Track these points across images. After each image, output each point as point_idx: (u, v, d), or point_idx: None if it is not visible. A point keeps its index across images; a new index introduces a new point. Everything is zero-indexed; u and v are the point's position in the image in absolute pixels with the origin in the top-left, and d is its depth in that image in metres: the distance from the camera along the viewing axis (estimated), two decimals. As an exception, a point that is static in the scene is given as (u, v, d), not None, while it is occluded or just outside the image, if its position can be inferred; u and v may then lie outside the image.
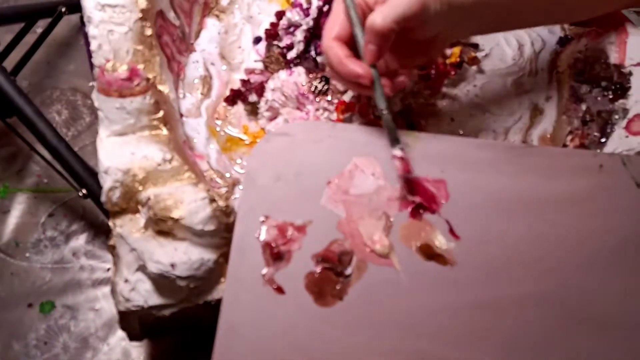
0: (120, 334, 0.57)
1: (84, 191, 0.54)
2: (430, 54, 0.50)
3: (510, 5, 0.49)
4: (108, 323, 0.57)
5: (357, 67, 0.45)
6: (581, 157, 0.49)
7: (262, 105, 0.58)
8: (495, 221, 0.45)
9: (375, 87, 0.45)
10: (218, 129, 0.59)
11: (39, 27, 0.73)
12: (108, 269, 0.60)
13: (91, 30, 0.50)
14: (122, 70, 0.47)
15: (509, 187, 0.47)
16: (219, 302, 0.44)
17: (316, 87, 0.57)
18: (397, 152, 0.46)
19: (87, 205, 0.63)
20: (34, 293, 0.58)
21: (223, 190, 0.54)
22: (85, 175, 0.53)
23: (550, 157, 0.49)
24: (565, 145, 0.57)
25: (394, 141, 0.47)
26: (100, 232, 0.62)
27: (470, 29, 0.51)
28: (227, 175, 0.56)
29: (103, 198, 0.44)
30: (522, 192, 0.47)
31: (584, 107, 0.57)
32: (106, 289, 0.58)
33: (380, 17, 0.43)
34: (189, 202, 0.43)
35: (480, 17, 0.48)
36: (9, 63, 0.61)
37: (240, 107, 0.60)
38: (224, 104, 0.61)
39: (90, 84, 0.74)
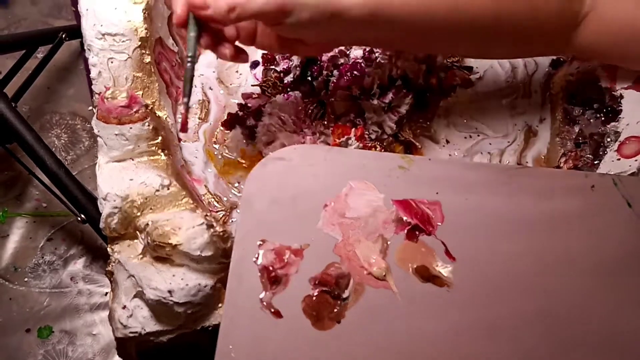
0: (117, 359, 0.57)
1: (83, 216, 0.54)
2: (313, 52, 0.50)
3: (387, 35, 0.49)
4: (106, 348, 0.57)
5: (178, 5, 0.43)
6: (573, 178, 0.50)
7: (260, 129, 0.59)
8: (490, 242, 0.45)
9: (188, 31, 0.44)
10: (216, 152, 0.60)
11: (40, 52, 0.74)
12: (106, 294, 0.60)
13: (91, 58, 0.51)
14: (122, 98, 0.48)
15: (503, 208, 0.47)
16: (216, 327, 0.45)
17: (313, 111, 0.58)
18: (182, 106, 0.44)
19: (85, 229, 0.63)
20: (32, 318, 0.58)
21: (220, 214, 0.55)
22: (84, 200, 0.54)
23: (543, 178, 0.49)
24: (558, 167, 0.57)
25: (185, 94, 0.44)
26: (98, 256, 0.62)
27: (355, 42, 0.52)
28: (225, 199, 0.56)
29: (102, 224, 0.45)
30: (516, 213, 0.47)
31: (577, 129, 0.58)
32: (104, 314, 0.59)
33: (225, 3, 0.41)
34: (186, 228, 0.43)
35: (363, 33, 0.49)
36: (10, 89, 0.62)
37: (237, 131, 0.61)
38: (222, 128, 0.61)
39: (90, 108, 0.75)
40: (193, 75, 0.44)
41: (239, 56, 0.48)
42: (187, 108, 0.44)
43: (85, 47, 0.53)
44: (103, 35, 0.51)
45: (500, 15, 0.49)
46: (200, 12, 0.42)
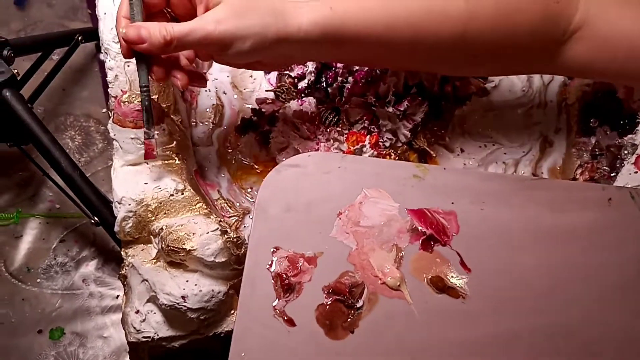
0: (128, 362, 0.57)
1: (96, 219, 0.54)
2: (269, 69, 0.51)
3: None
4: (116, 351, 0.57)
5: (120, 41, 0.43)
6: (590, 191, 0.49)
7: (273, 135, 0.59)
8: (505, 253, 0.45)
9: (136, 62, 0.44)
10: (229, 157, 0.60)
11: (55, 54, 0.75)
12: (117, 296, 0.60)
13: (108, 61, 0.52)
14: (138, 102, 0.48)
15: (520, 219, 0.47)
16: (228, 334, 0.45)
17: (327, 117, 0.58)
18: (148, 137, 0.45)
19: (97, 231, 0.64)
20: (44, 319, 0.58)
21: (233, 219, 0.54)
22: (98, 203, 0.54)
23: (559, 190, 0.49)
24: (575, 179, 0.57)
25: (145, 123, 0.45)
26: (110, 259, 0.62)
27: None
28: (237, 204, 0.56)
29: (116, 228, 0.45)
30: (532, 225, 0.47)
31: (593, 140, 0.58)
32: (115, 317, 0.59)
33: (165, 32, 0.41)
34: (200, 234, 0.43)
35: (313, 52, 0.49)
36: (27, 90, 0.62)
37: (251, 137, 0.61)
38: (235, 133, 0.61)
39: (104, 110, 0.75)
40: (150, 105, 0.45)
41: (196, 82, 0.49)
42: (151, 137, 0.45)
43: (102, 51, 0.53)
44: (120, 39, 0.51)
45: (468, 34, 0.47)
46: (137, 47, 0.43)
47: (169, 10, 0.46)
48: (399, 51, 0.49)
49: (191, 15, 0.45)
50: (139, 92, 0.45)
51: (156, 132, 0.46)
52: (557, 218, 0.47)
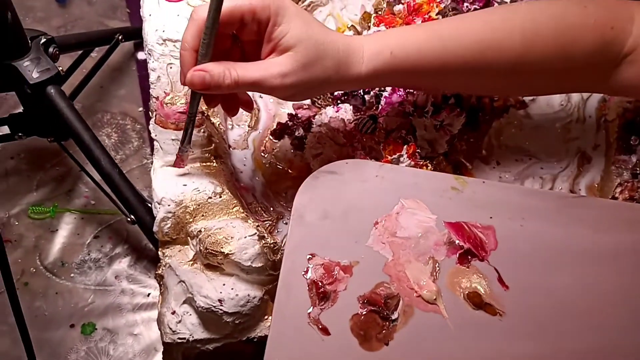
0: (157, 361, 0.57)
1: (132, 217, 0.55)
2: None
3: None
4: (146, 349, 0.57)
5: (188, 64, 0.42)
6: (631, 211, 0.48)
7: (309, 141, 0.59)
8: (544, 272, 0.44)
9: (192, 92, 0.45)
10: (264, 161, 0.60)
11: (94, 52, 0.76)
12: (148, 295, 0.61)
13: (151, 63, 0.52)
14: (180, 104, 0.49)
15: (559, 238, 0.46)
16: (261, 339, 0.45)
17: (364, 125, 0.58)
18: (182, 152, 0.47)
19: (130, 229, 0.64)
20: (77, 314, 0.59)
21: (267, 224, 0.55)
22: (134, 201, 0.54)
23: (600, 209, 0.48)
24: (614, 197, 0.56)
25: (184, 142, 0.46)
26: (142, 257, 0.63)
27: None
28: (271, 208, 0.56)
29: (155, 228, 0.45)
30: (572, 244, 0.46)
31: (634, 159, 0.57)
32: (145, 315, 0.59)
33: (230, 79, 0.42)
34: (238, 238, 0.43)
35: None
36: (67, 87, 0.64)
37: (286, 141, 0.61)
38: (271, 137, 0.62)
39: (140, 109, 0.76)
40: (192, 129, 0.46)
41: (245, 107, 0.50)
42: (184, 152, 0.47)
43: (145, 51, 0.54)
44: (164, 40, 0.52)
45: (524, 66, 0.47)
46: (198, 91, 0.43)
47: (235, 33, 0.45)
48: (453, 84, 0.51)
49: (257, 42, 0.44)
50: (181, 95, 0.46)
51: (190, 150, 0.47)
52: (598, 238, 0.46)
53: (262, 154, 0.61)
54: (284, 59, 0.43)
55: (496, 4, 0.62)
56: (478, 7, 0.61)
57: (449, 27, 0.48)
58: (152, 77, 0.52)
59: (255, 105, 0.64)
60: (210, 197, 0.47)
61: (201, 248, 0.43)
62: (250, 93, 0.51)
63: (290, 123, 0.61)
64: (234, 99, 0.48)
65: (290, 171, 0.60)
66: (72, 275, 0.61)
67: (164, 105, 0.49)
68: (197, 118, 0.50)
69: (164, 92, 0.51)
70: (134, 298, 0.60)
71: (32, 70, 0.54)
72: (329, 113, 0.59)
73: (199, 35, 0.42)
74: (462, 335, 0.41)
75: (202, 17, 0.41)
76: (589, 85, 0.52)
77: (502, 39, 0.47)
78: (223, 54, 0.44)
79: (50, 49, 0.57)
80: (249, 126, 0.62)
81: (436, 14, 0.59)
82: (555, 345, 0.41)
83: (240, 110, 0.62)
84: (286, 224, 0.56)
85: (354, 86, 0.48)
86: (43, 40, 0.56)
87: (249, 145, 0.61)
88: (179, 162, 0.47)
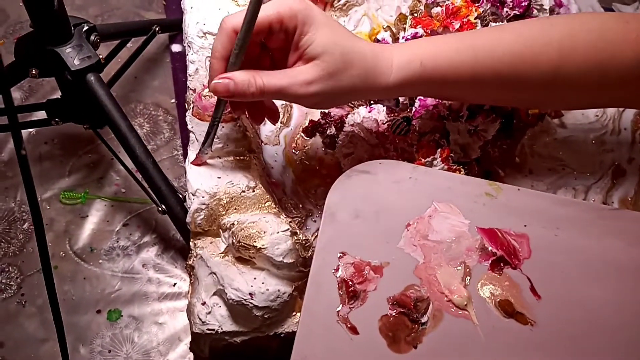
0: (180, 351, 0.58)
1: (163, 207, 0.55)
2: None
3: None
4: (170, 339, 0.58)
5: (217, 72, 0.43)
6: (670, 226, 0.47)
7: (341, 140, 0.59)
8: (578, 283, 0.44)
9: (217, 99, 0.45)
10: (295, 158, 0.60)
11: (130, 43, 0.77)
12: (174, 284, 0.61)
13: (190, 55, 0.52)
14: (218, 97, 0.49)
15: (594, 249, 0.45)
16: (288, 335, 0.45)
17: (398, 126, 0.57)
18: (202, 153, 0.48)
19: (159, 218, 0.65)
20: (103, 300, 0.59)
21: (296, 220, 0.55)
22: (167, 192, 0.55)
23: (635, 223, 0.47)
24: (650, 211, 0.55)
25: (205, 144, 0.47)
26: (170, 247, 0.63)
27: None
28: (301, 205, 0.57)
29: (188, 219, 0.46)
30: (606, 256, 0.45)
31: (672, 173, 0.56)
32: (171, 304, 0.60)
33: (254, 87, 0.42)
34: (271, 233, 0.43)
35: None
36: (104, 77, 0.64)
37: (318, 139, 0.61)
38: (302, 134, 0.62)
39: (172, 101, 0.77)
40: (215, 133, 0.47)
41: (270, 117, 0.50)
42: (204, 153, 0.48)
43: (184, 43, 0.54)
44: (204, 33, 0.52)
45: (561, 70, 0.46)
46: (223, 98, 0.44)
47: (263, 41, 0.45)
48: (483, 96, 0.50)
49: (285, 50, 0.44)
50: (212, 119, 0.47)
51: (210, 151, 0.48)
52: (632, 252, 0.45)
53: (293, 151, 0.61)
54: (309, 68, 0.43)
55: (535, 11, 0.62)
56: (518, 13, 0.60)
57: (482, 38, 0.47)
58: (191, 69, 0.52)
59: (288, 102, 0.64)
60: (243, 191, 0.47)
61: (234, 241, 0.43)
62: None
63: (322, 121, 0.61)
64: (260, 107, 0.49)
65: (320, 169, 0.60)
66: (100, 261, 0.62)
67: (202, 97, 0.49)
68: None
69: (202, 84, 0.51)
70: (160, 287, 0.60)
71: (73, 57, 0.55)
72: (362, 113, 0.59)
73: (229, 44, 0.42)
74: (492, 343, 0.41)
75: (231, 27, 0.42)
76: (624, 100, 0.51)
77: (538, 53, 0.46)
78: (253, 62, 0.45)
79: (92, 37, 0.57)
80: (281, 122, 0.62)
81: (475, 18, 0.59)
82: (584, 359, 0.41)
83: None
84: (315, 221, 0.56)
85: (382, 95, 0.48)
86: (85, 27, 0.57)
87: (280, 141, 0.61)
88: (197, 161, 0.48)
